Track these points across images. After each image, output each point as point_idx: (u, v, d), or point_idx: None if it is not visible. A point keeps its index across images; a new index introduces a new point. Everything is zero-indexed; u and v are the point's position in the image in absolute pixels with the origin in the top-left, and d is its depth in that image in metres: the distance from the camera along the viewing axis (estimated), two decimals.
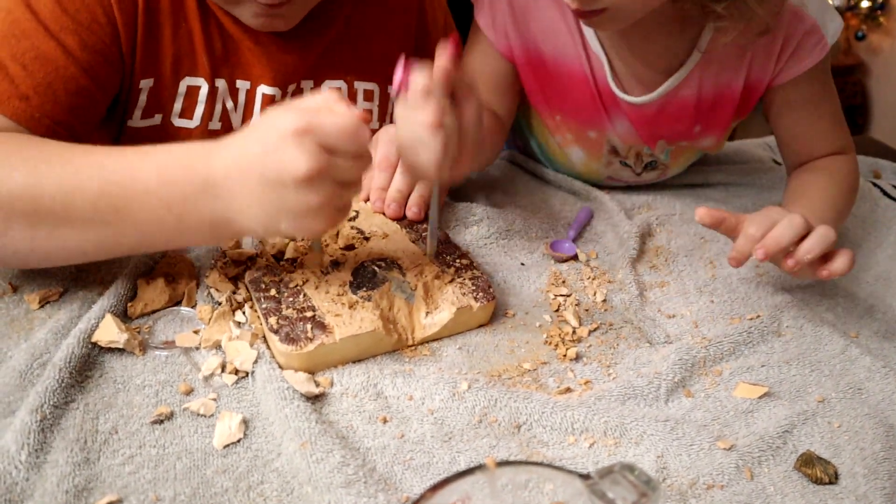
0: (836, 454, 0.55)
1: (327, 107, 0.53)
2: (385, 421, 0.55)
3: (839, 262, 0.64)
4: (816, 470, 0.53)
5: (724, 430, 0.56)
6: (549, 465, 0.42)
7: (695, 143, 0.89)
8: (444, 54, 0.55)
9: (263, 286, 0.62)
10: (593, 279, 0.73)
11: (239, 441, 0.52)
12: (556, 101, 0.86)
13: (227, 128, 0.81)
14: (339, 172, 0.53)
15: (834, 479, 0.53)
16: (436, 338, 0.63)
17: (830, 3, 0.82)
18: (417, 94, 0.55)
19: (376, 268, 0.66)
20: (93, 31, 0.70)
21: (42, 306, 0.63)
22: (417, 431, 0.54)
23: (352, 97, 0.86)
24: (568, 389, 0.59)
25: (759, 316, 0.70)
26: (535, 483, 0.42)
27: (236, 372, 0.57)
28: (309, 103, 0.54)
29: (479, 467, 0.40)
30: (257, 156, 0.53)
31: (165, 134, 0.79)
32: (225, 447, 0.51)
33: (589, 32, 0.81)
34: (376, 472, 0.50)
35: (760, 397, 0.60)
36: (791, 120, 0.86)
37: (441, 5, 0.95)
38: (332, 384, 0.57)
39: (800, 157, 0.88)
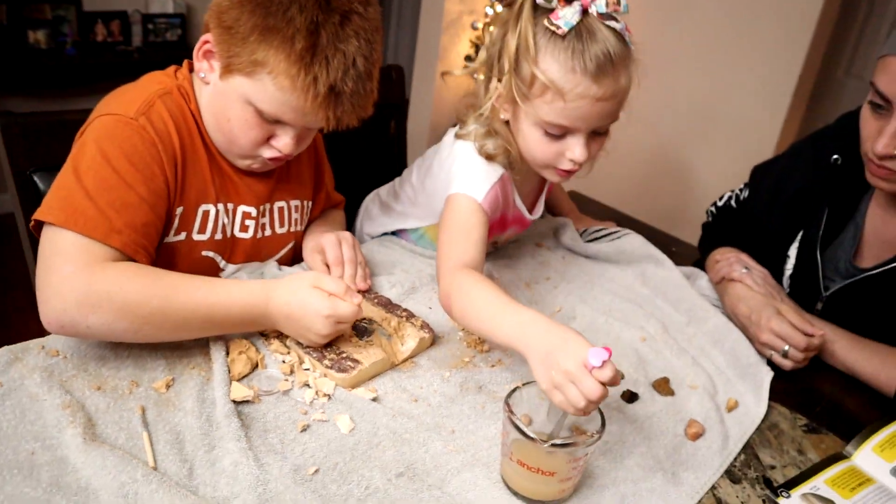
0: None
1: (342, 293, 0.99)
2: (415, 400, 1.00)
3: None
4: None
5: None
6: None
7: None
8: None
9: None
10: None
11: (352, 429, 0.93)
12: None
13: (224, 237, 1.17)
14: (342, 328, 1.02)
15: None
16: (409, 357, 1.10)
17: None
18: None
19: (365, 324, 1.10)
20: (153, 179, 1.04)
21: (167, 390, 0.95)
22: (433, 401, 1.01)
23: (290, 211, 1.28)
24: (499, 362, 1.10)
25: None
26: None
27: (325, 395, 0.98)
28: (331, 287, 0.99)
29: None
30: (298, 316, 0.99)
31: (187, 246, 1.13)
32: (350, 431, 0.93)
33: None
34: (426, 423, 0.96)
35: None
36: None
37: (320, 142, 1.40)
38: (376, 391, 1.01)
39: None
